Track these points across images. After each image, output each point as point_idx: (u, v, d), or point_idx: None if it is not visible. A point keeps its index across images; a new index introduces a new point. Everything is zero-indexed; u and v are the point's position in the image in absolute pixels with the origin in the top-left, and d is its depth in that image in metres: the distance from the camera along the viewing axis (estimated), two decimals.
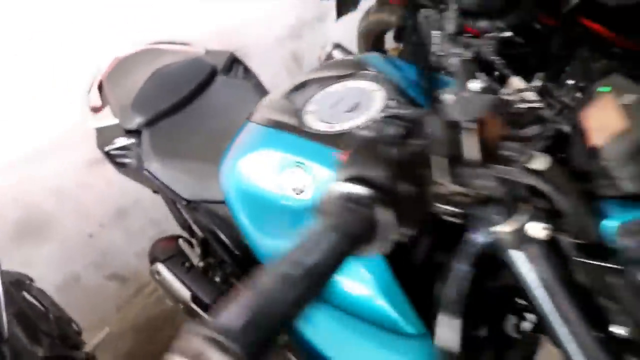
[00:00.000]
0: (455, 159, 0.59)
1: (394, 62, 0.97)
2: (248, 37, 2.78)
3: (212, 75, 1.59)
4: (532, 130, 0.73)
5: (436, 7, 0.89)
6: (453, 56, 0.82)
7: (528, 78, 1.69)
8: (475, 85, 0.68)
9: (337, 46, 2.41)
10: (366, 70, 0.94)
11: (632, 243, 0.56)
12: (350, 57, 1.03)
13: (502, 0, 1.65)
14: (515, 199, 0.61)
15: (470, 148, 0.60)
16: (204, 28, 2.49)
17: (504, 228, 0.62)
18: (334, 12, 2.43)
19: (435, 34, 0.89)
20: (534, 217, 0.61)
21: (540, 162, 0.59)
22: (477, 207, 0.64)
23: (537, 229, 0.61)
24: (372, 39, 2.65)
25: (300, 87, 0.96)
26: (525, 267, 0.62)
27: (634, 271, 0.53)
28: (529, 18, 1.62)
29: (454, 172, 0.60)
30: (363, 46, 2.71)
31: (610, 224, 0.59)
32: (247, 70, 1.67)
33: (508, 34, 0.99)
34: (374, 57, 0.98)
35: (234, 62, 1.68)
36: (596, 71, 1.58)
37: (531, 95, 0.77)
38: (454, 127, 0.61)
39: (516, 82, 0.79)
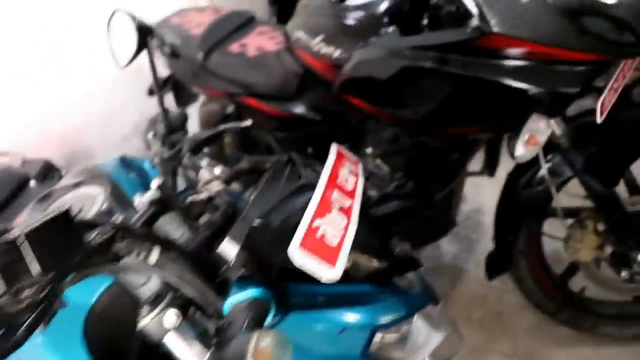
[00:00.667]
0: None
1: (134, 164, 1.06)
2: (91, 138, 2.82)
3: (24, 184, 1.62)
4: (203, 219, 0.82)
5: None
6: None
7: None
8: (145, 196, 0.77)
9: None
10: (98, 175, 1.02)
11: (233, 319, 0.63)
12: (90, 165, 1.10)
13: (294, 86, 1.83)
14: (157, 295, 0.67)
15: None
16: (42, 134, 2.51)
17: (145, 321, 0.67)
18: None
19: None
20: (170, 305, 0.67)
21: (154, 256, 0.65)
22: None
23: (171, 316, 0.66)
24: (211, 126, 2.77)
25: (46, 197, 1.02)
26: (180, 349, 0.67)
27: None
28: (318, 100, 1.79)
29: None
30: None
31: (227, 303, 0.67)
32: (62, 177, 1.72)
33: (247, 123, 1.10)
34: (112, 162, 1.06)
35: (49, 170, 1.73)
36: (387, 139, 1.77)
37: (216, 185, 0.87)
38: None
39: (205, 174, 0.89)
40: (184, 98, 2.61)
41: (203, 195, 0.84)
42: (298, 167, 0.78)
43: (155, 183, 0.85)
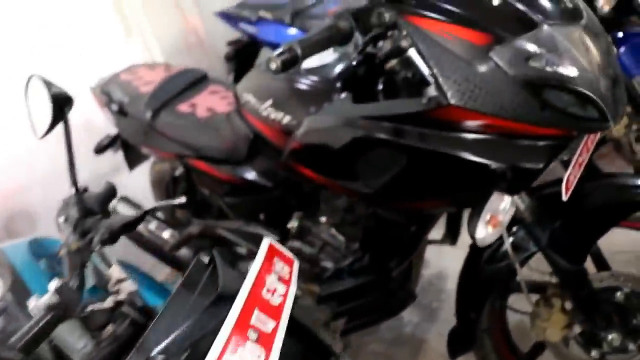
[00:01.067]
0: None
1: (46, 248, 0.93)
2: (34, 198, 2.64)
3: None
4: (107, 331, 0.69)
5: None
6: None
7: (288, 217, 1.74)
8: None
9: (123, 199, 2.35)
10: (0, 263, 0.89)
11: None
12: None
13: (245, 149, 1.73)
14: None
15: None
16: None
17: None
18: None
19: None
20: None
21: None
22: None
23: None
24: (163, 187, 2.64)
25: None
26: None
27: None
28: (270, 165, 1.69)
29: None
30: (157, 193, 2.69)
31: None
32: None
33: (181, 200, 0.99)
34: (21, 245, 0.94)
35: None
36: (342, 208, 1.67)
37: (128, 286, 0.74)
38: None
39: (116, 272, 0.77)
40: (133, 158, 2.49)
41: (107, 303, 0.71)
42: (218, 270, 0.65)
43: (53, 285, 0.71)
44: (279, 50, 1.06)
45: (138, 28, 2.86)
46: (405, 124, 1.15)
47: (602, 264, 1.52)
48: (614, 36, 2.22)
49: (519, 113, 1.04)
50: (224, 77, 2.82)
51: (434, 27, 1.07)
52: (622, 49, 2.18)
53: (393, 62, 1.32)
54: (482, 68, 1.04)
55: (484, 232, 1.16)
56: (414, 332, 2.23)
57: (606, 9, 2.05)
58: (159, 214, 2.25)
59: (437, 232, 2.02)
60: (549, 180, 1.45)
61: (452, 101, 1.05)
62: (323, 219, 1.69)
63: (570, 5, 1.11)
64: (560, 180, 1.48)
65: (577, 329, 1.47)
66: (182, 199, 1.01)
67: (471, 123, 1.09)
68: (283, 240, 1.75)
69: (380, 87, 1.39)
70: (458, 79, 1.04)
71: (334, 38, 1.12)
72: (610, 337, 1.45)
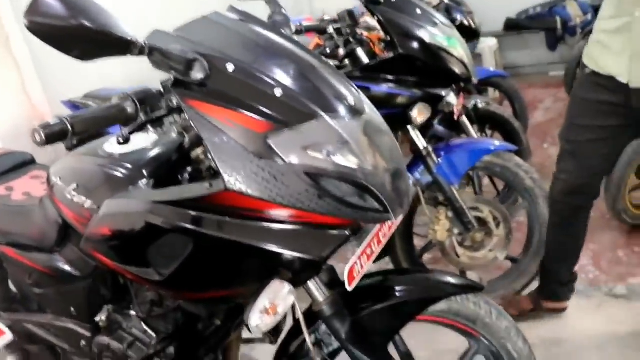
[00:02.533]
0: None
1: None
2: None
3: None
4: None
5: None
6: None
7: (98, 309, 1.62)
8: None
9: None
10: None
11: None
12: None
13: (54, 237, 1.62)
14: None
15: None
16: None
17: None
18: None
19: None
20: None
21: None
22: None
23: None
24: None
25: None
26: None
27: None
28: (79, 254, 1.58)
29: None
30: None
31: None
32: None
33: None
34: None
35: None
36: (151, 300, 1.57)
37: None
38: None
39: None
40: None
41: None
42: None
43: None
44: (46, 122, 1.01)
45: None
46: (191, 210, 1.12)
47: (407, 357, 1.51)
48: (435, 148, 2.41)
49: (296, 200, 1.05)
50: None
51: (217, 113, 1.08)
52: (442, 159, 2.35)
53: (199, 151, 1.32)
54: (260, 154, 1.05)
55: (258, 320, 1.12)
56: None
57: (419, 121, 2.22)
58: None
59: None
60: None
61: (228, 185, 1.04)
62: (133, 313, 1.58)
63: (352, 100, 1.17)
64: (372, 274, 1.51)
65: None
66: None
67: (252, 209, 1.08)
68: (93, 335, 1.62)
69: (187, 176, 1.37)
70: (235, 165, 1.04)
71: (116, 117, 1.10)
72: None
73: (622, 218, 3.12)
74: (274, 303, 1.12)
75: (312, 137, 1.08)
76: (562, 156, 2.23)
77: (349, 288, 1.20)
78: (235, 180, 1.04)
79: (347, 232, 1.12)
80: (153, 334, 1.55)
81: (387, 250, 2.56)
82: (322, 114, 1.10)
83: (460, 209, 2.35)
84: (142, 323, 1.56)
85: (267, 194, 1.04)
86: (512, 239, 2.49)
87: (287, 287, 1.13)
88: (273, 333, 1.79)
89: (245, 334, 1.92)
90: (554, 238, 2.38)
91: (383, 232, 1.29)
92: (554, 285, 2.45)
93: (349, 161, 1.09)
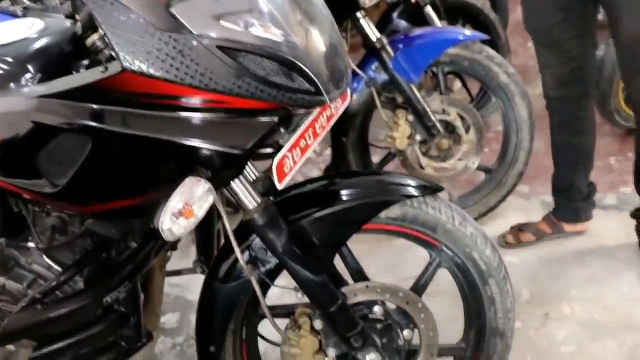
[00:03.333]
0: None
1: None
2: None
3: None
4: None
5: None
6: None
7: None
8: None
9: None
10: None
11: None
12: None
13: None
14: None
15: None
16: None
17: None
18: None
19: None
20: None
21: None
22: None
23: None
24: None
25: None
26: None
27: None
28: None
29: None
30: None
31: None
32: None
33: None
34: None
35: None
36: (52, 228, 1.59)
37: None
38: None
39: None
40: None
41: None
42: None
43: None
44: None
45: None
46: (85, 102, 1.13)
47: (359, 273, 1.58)
48: (392, 40, 2.43)
49: (209, 81, 1.06)
50: None
51: None
52: (399, 53, 2.38)
53: (95, 37, 1.31)
54: (162, 26, 1.05)
55: (169, 223, 1.16)
56: None
57: (369, 3, 2.23)
58: None
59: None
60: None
61: (125, 64, 1.05)
62: (31, 245, 1.60)
63: None
64: (313, 180, 1.55)
65: (331, 352, 1.51)
66: None
67: (158, 95, 1.09)
68: None
69: (83, 70, 1.37)
70: (133, 39, 1.04)
71: None
72: (369, 358, 1.51)
73: (615, 120, 3.23)
74: (189, 203, 1.15)
75: (225, 4, 1.08)
76: (537, 50, 2.37)
77: (279, 186, 1.24)
78: (133, 58, 1.04)
79: (273, 119, 1.15)
80: (58, 267, 1.56)
81: (339, 165, 2.62)
82: None
83: (422, 110, 2.40)
84: (44, 256, 1.57)
85: (173, 73, 1.05)
86: (484, 144, 2.58)
87: (203, 184, 1.15)
88: (205, 262, 1.85)
89: (173, 266, 1.99)
90: (560, 143, 2.51)
91: (320, 122, 1.32)
92: (570, 201, 2.57)
93: (271, 33, 1.10)
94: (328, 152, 2.87)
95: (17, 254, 1.59)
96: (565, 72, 2.31)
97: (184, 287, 2.54)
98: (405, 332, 1.57)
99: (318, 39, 1.18)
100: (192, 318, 2.38)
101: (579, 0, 2.18)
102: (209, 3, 1.09)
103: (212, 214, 1.86)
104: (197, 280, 1.86)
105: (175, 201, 1.14)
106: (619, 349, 2.10)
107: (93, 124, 1.14)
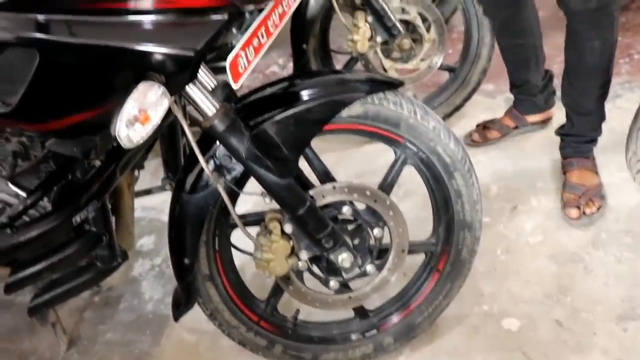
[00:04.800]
0: None
1: None
2: None
3: None
4: None
5: None
6: None
7: None
8: None
9: None
10: None
11: None
12: None
13: None
14: None
15: None
16: None
17: None
18: None
19: None
20: None
21: None
22: None
23: None
24: None
25: None
26: None
27: None
28: None
29: None
30: None
31: None
32: None
33: None
34: None
35: None
36: (13, 154, 1.57)
37: None
38: None
39: None
40: None
41: None
42: None
43: None
44: None
45: None
46: (27, 12, 1.10)
47: (325, 175, 1.59)
48: None
49: None
50: None
51: None
52: None
53: None
54: None
55: (126, 130, 1.15)
56: (155, 309, 2.21)
57: None
58: None
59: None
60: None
61: None
62: None
63: None
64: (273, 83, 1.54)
65: (303, 255, 1.54)
66: None
67: None
68: None
69: None
70: None
71: None
72: (341, 258, 1.55)
73: None
74: (144, 108, 1.14)
75: None
76: None
77: (235, 85, 1.23)
78: None
79: (224, 17, 1.13)
80: (23, 193, 1.56)
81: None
82: None
83: (382, 11, 2.36)
84: (9, 183, 1.56)
85: None
86: (445, 42, 2.56)
87: (157, 87, 1.14)
88: (173, 178, 1.85)
89: (140, 185, 1.99)
90: (505, 45, 2.51)
91: (272, 20, 1.30)
92: (528, 95, 2.59)
93: None
94: (291, 65, 2.84)
95: None
96: None
97: (158, 210, 2.53)
98: (376, 231, 1.60)
99: None
100: None
101: None
102: None
103: (175, 129, 1.85)
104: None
105: (130, 107, 1.13)
106: (583, 234, 2.19)
107: (38, 35, 1.12)
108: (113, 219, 1.68)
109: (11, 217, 1.47)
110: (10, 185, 1.57)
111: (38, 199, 1.50)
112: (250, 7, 1.18)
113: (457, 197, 1.66)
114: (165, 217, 2.50)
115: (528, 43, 2.47)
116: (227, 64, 1.22)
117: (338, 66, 2.80)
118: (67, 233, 1.49)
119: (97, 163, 1.52)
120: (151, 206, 2.56)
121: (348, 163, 2.52)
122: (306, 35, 2.51)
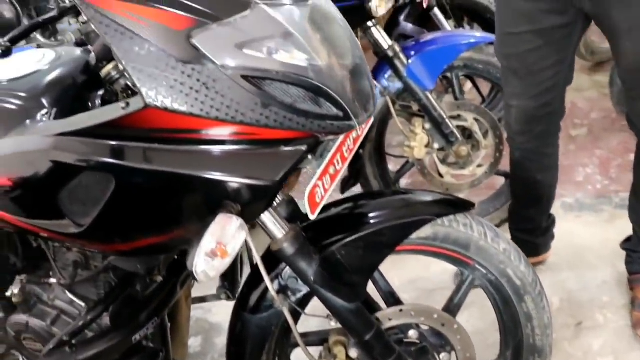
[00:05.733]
0: None
1: None
2: None
3: None
4: None
5: None
6: None
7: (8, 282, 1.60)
8: None
9: None
10: None
11: None
12: None
13: None
14: None
15: None
16: None
17: None
18: None
19: None
20: None
21: None
22: None
23: None
24: None
25: None
26: None
27: None
28: None
29: None
30: None
31: None
32: None
33: None
34: None
35: None
36: (74, 263, 1.56)
37: None
38: None
39: None
40: None
41: None
42: None
43: None
44: None
45: None
46: (107, 139, 1.10)
47: (391, 296, 1.55)
48: (404, 47, 2.39)
49: (235, 113, 1.03)
50: None
51: (124, 9, 1.03)
52: (412, 60, 2.35)
53: (109, 67, 1.28)
54: (184, 58, 1.02)
55: (204, 265, 1.12)
56: None
57: (380, 12, 2.19)
58: None
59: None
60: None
61: (148, 101, 1.01)
62: (54, 281, 1.57)
63: None
64: (338, 202, 1.51)
65: None
66: None
67: (183, 130, 1.06)
68: (6, 314, 1.60)
69: (99, 101, 1.34)
70: (155, 74, 1.01)
71: None
72: None
73: None
74: (222, 242, 1.11)
75: (247, 31, 1.05)
76: (505, 77, 2.13)
77: (312, 216, 1.20)
78: (156, 93, 1.01)
79: (302, 148, 1.11)
80: (82, 303, 1.54)
81: (357, 178, 2.59)
82: (258, 1, 1.07)
83: (439, 117, 2.36)
84: (67, 292, 1.55)
85: (198, 107, 1.02)
86: (503, 149, 2.53)
87: (235, 221, 1.12)
88: (229, 287, 1.81)
89: (196, 292, 1.95)
90: (520, 178, 2.34)
91: (347, 146, 1.28)
92: (528, 236, 2.40)
93: (295, 58, 1.06)
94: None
95: (40, 291, 1.57)
96: (534, 106, 2.09)
97: (206, 310, 2.49)
98: (443, 355, 1.53)
99: (342, 61, 1.15)
100: (216, 341, 2.39)
101: (563, 24, 1.94)
102: (230, 31, 1.05)
103: None
104: (219, 303, 1.85)
105: (208, 241, 1.10)
106: None
107: (115, 161, 1.11)
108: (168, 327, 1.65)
109: (71, 334, 1.45)
110: (68, 294, 1.55)
111: (98, 315, 1.48)
112: (329, 136, 1.16)
113: (527, 320, 1.59)
114: (213, 318, 2.49)
115: (545, 180, 2.31)
116: (305, 196, 1.19)
117: (392, 167, 2.77)
118: (126, 350, 1.45)
119: (159, 278, 1.50)
120: (199, 306, 2.52)
121: (402, 269, 2.46)
122: (363, 140, 2.51)
